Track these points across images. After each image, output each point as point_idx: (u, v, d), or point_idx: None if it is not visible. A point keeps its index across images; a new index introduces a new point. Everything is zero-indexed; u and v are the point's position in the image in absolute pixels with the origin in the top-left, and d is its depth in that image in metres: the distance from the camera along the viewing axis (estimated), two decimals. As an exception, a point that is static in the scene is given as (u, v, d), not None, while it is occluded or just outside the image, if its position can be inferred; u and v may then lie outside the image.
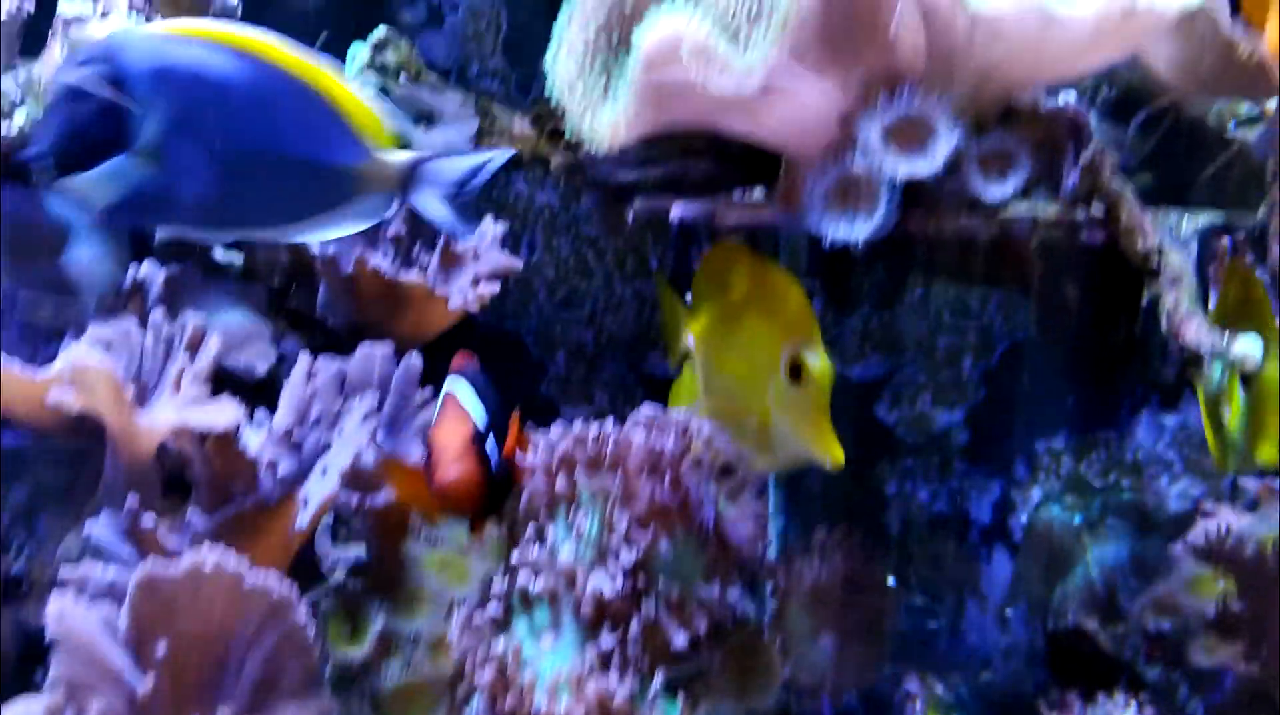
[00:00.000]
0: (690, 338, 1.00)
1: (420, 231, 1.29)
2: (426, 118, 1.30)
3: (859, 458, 1.51)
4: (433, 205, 0.72)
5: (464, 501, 0.73)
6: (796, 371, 0.83)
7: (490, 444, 0.73)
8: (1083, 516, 1.45)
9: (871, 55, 0.68)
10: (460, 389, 0.78)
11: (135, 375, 0.90)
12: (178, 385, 0.88)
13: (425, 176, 0.72)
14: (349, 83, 0.72)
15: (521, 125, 1.33)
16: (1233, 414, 0.81)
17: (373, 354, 1.02)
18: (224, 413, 0.85)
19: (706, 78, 0.69)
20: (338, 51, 1.30)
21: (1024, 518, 1.55)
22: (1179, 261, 0.69)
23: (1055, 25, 0.64)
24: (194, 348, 0.91)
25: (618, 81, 0.73)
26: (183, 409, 0.85)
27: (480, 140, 1.30)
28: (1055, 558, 1.44)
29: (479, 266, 1.26)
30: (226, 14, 1.17)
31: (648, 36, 0.71)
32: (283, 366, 1.15)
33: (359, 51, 1.30)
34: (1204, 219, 0.79)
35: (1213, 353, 0.65)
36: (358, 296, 1.20)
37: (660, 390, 1.53)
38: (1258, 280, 0.81)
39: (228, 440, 0.88)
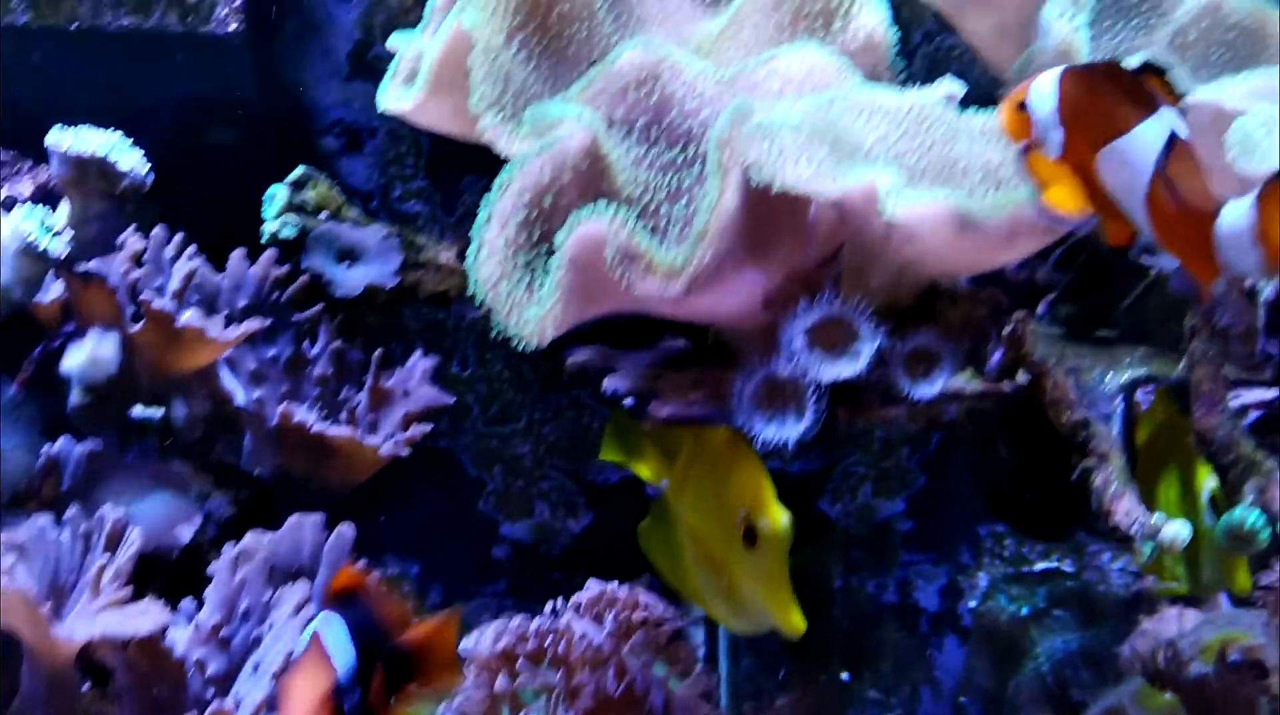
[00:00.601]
0: (665, 482, 0.96)
1: (346, 370, 1.27)
2: (348, 255, 1.28)
3: (804, 553, 1.50)
4: None
5: None
6: (751, 536, 0.82)
7: (354, 698, 0.63)
8: (1029, 608, 1.46)
9: (791, 252, 0.68)
10: (330, 630, 0.65)
11: (52, 579, 0.86)
12: (97, 588, 0.84)
13: None
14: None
15: (448, 256, 1.31)
16: (1201, 547, 0.81)
17: (302, 524, 0.99)
18: (147, 618, 0.82)
19: (631, 281, 0.68)
20: (256, 190, 1.28)
21: (972, 604, 1.55)
22: (1105, 433, 0.69)
23: (970, 229, 0.64)
24: (114, 544, 0.87)
25: (542, 280, 0.72)
26: (103, 617, 0.82)
27: (405, 274, 1.29)
28: (1005, 651, 1.44)
29: (409, 404, 1.23)
30: (134, 189, 1.14)
31: (571, 239, 0.70)
32: (208, 528, 1.12)
33: (277, 191, 1.27)
34: (1128, 373, 0.79)
35: (1142, 535, 0.65)
36: (284, 447, 1.17)
37: (602, 498, 1.52)
38: (1184, 423, 0.81)
39: (152, 641, 0.84)
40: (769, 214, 0.69)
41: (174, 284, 1.15)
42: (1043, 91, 0.64)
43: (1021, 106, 0.65)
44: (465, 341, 1.49)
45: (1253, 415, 0.77)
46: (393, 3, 1.41)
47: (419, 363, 1.25)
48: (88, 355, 1.08)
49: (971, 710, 1.52)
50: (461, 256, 1.26)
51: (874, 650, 1.58)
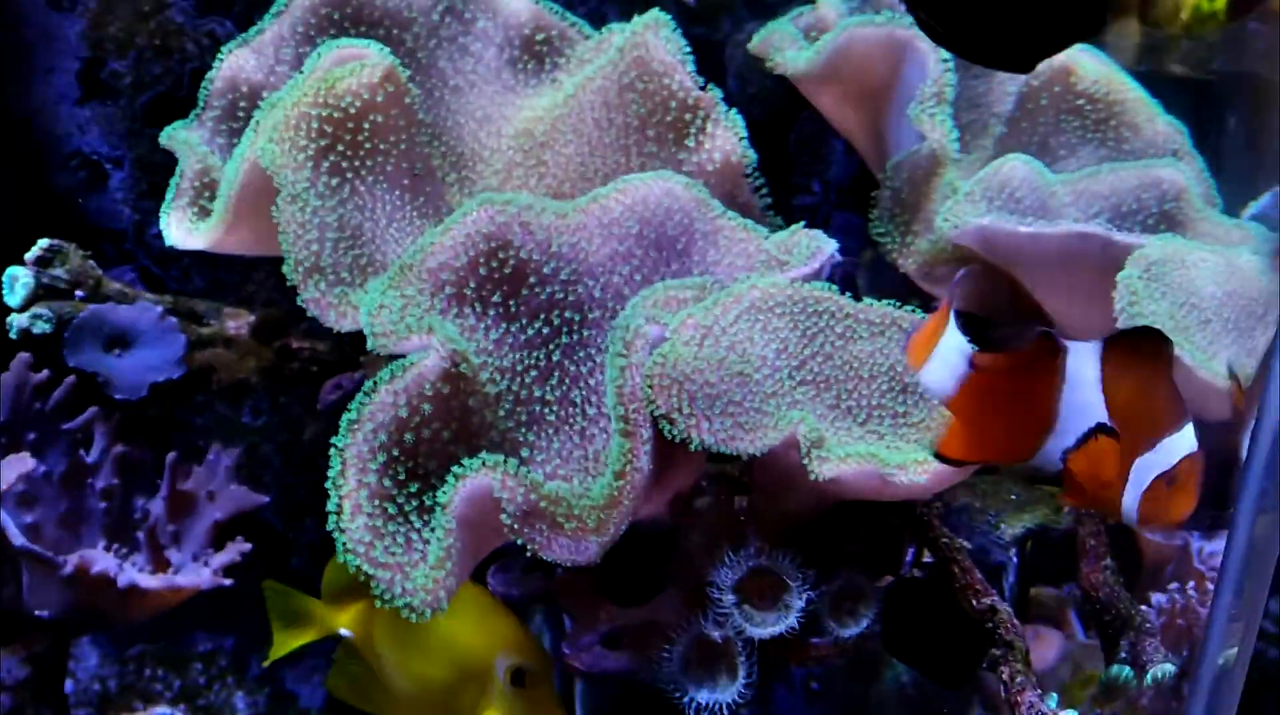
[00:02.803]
0: (345, 631, 0.94)
1: (134, 475, 1.11)
2: (119, 342, 1.10)
3: None
4: None
5: None
6: (520, 677, 0.80)
7: None
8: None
9: (697, 466, 0.63)
10: None
11: None
12: None
13: None
14: None
15: (237, 325, 1.16)
16: None
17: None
18: None
19: (536, 541, 0.61)
20: None
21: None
22: (1010, 619, 0.70)
23: (893, 483, 0.61)
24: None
25: (424, 534, 0.63)
26: None
27: (191, 357, 1.12)
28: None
29: (216, 509, 1.10)
30: None
31: (456, 499, 0.61)
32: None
33: (19, 275, 1.07)
34: (1020, 524, 0.80)
35: (1047, 726, 0.67)
36: (78, 588, 1.02)
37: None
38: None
39: None
40: (671, 449, 0.63)
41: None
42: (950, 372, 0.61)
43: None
44: (259, 388, 1.34)
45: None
46: (124, 11, 1.19)
47: (221, 458, 1.11)
48: None
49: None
50: (256, 329, 1.13)
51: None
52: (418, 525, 0.64)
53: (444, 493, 0.62)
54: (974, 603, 0.70)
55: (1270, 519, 0.64)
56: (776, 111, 1.29)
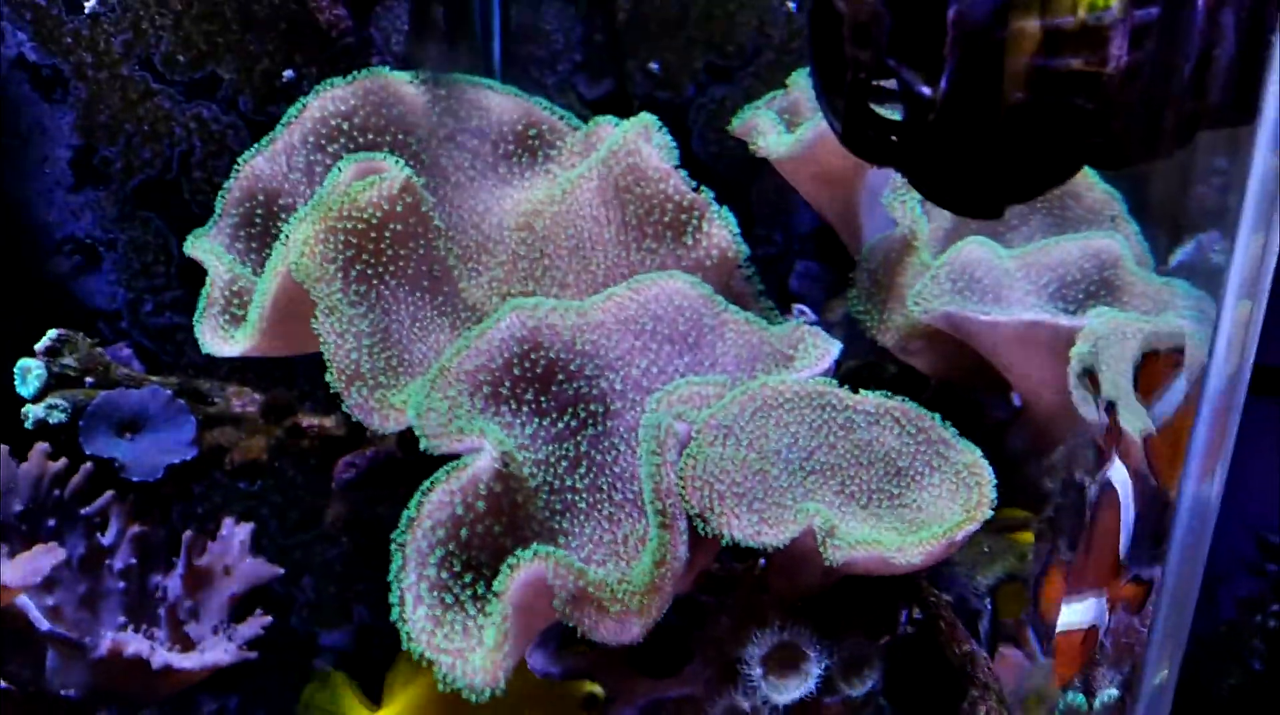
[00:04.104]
0: None
1: (150, 554, 1.15)
2: (131, 426, 1.15)
3: None
4: None
5: None
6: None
7: None
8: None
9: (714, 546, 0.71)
10: None
11: None
12: None
13: None
14: None
15: (241, 403, 1.21)
16: None
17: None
18: None
19: (584, 624, 0.68)
20: (6, 364, 1.11)
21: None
22: (985, 663, 0.79)
23: (893, 564, 0.70)
24: None
25: (479, 620, 0.70)
26: None
27: (204, 436, 1.17)
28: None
29: (233, 584, 1.15)
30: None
31: (512, 587, 0.68)
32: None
33: (31, 366, 1.11)
34: (993, 572, 0.90)
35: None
36: (107, 671, 1.06)
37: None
38: None
39: None
40: (697, 536, 0.71)
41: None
42: None
43: None
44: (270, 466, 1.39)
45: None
46: (114, 100, 1.24)
47: (235, 533, 1.16)
48: None
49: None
50: (265, 410, 1.18)
51: None
52: (473, 612, 0.71)
53: (499, 582, 0.69)
54: (956, 650, 0.79)
55: (1191, 555, 0.74)
56: (738, 168, 1.38)
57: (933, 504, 0.74)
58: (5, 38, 1.20)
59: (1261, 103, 0.69)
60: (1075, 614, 0.72)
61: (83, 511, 1.11)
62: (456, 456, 0.75)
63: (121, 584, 1.13)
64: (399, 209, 0.87)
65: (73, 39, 1.22)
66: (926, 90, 0.58)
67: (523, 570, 0.69)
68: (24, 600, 1.07)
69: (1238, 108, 0.68)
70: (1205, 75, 0.65)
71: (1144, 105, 0.61)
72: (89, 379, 1.14)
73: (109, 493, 1.12)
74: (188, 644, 1.12)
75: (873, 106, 0.62)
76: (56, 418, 1.10)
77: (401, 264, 0.88)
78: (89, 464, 1.11)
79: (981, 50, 0.56)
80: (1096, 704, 0.85)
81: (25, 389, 1.11)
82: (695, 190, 0.93)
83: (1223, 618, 1.53)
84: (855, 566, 0.71)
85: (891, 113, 0.62)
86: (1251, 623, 1.47)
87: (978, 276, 0.94)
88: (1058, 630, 0.72)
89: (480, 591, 0.71)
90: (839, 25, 0.59)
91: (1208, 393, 0.74)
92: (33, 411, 1.10)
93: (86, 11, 1.21)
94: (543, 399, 0.80)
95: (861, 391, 0.79)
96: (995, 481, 0.76)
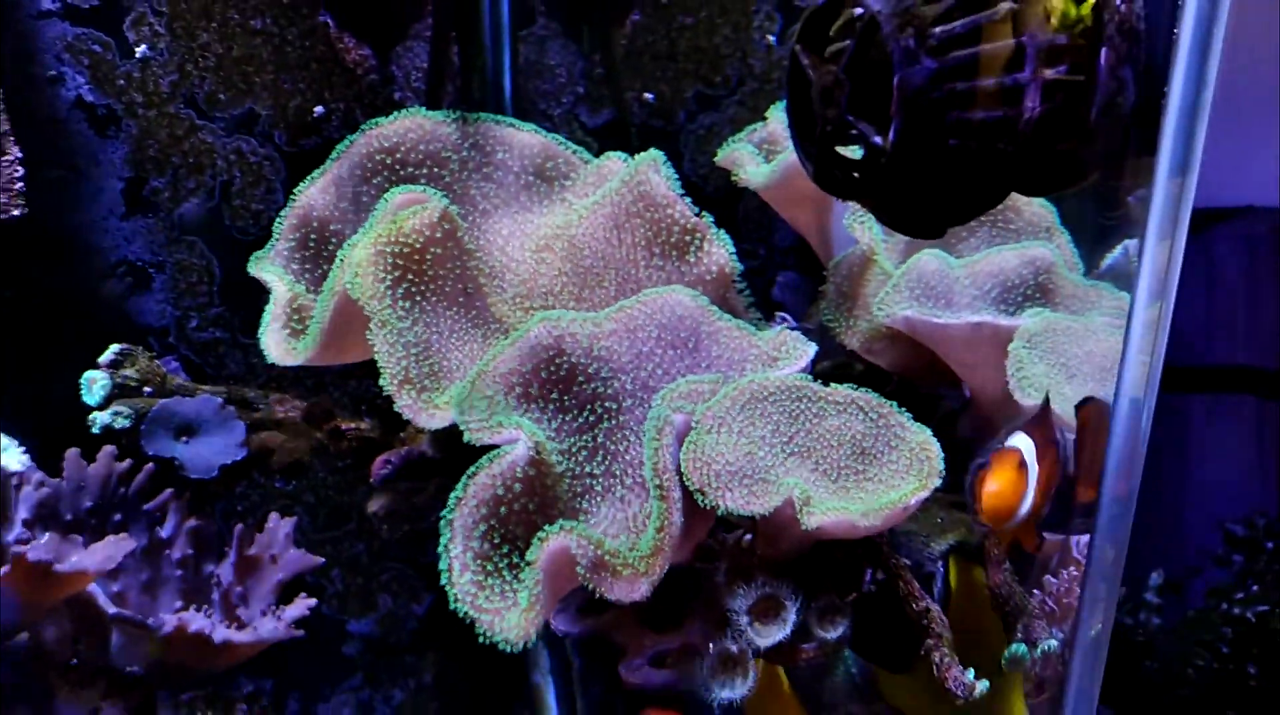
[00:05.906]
0: None
1: (204, 545, 1.28)
2: (186, 431, 1.28)
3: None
4: None
5: None
6: None
7: None
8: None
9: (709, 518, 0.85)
10: None
11: None
12: None
13: None
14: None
15: (284, 410, 1.34)
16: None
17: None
18: None
19: (600, 587, 0.82)
20: (71, 376, 1.24)
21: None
22: (939, 616, 0.94)
23: (858, 527, 0.85)
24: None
25: (514, 586, 0.84)
26: None
27: (250, 440, 1.30)
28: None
29: (279, 571, 1.28)
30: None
31: (542, 557, 0.82)
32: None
33: (96, 377, 1.24)
34: (945, 541, 1.04)
35: (967, 696, 0.90)
36: (171, 647, 1.19)
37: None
38: (984, 594, 1.05)
39: None
40: (693, 511, 0.86)
41: (24, 514, 1.12)
42: None
43: None
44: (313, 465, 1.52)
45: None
46: (162, 135, 1.37)
47: (279, 526, 1.29)
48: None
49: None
50: (308, 415, 1.31)
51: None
52: (509, 578, 0.85)
53: (532, 552, 0.83)
54: (914, 606, 0.93)
55: (1119, 523, 0.87)
56: (725, 189, 1.53)
57: (891, 477, 0.88)
58: (66, 81, 1.33)
59: (1159, 138, 0.82)
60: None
61: (145, 507, 1.25)
62: (492, 448, 0.89)
63: (179, 572, 1.26)
64: (438, 235, 1.01)
65: (125, 81, 1.35)
66: (879, 140, 0.72)
67: (551, 542, 0.83)
68: (93, 587, 1.20)
69: (1139, 144, 0.83)
70: (1109, 119, 0.79)
71: (1055, 145, 0.76)
72: (147, 388, 1.27)
73: (168, 490, 1.25)
74: (240, 624, 1.25)
75: (838, 150, 0.76)
76: (121, 423, 1.23)
77: (440, 283, 1.02)
78: (150, 465, 1.24)
79: (920, 108, 0.71)
80: (1037, 653, 1.00)
81: (91, 398, 1.24)
82: (698, 215, 1.07)
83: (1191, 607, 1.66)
84: (827, 531, 0.85)
85: (855, 152, 0.77)
86: (1219, 610, 1.60)
87: (932, 284, 1.08)
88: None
89: (515, 560, 0.85)
90: (809, 88, 0.74)
91: (1123, 385, 0.87)
92: (100, 418, 1.23)
93: (137, 56, 1.35)
94: (565, 397, 0.94)
95: (833, 386, 0.93)
96: (944, 457, 0.90)
